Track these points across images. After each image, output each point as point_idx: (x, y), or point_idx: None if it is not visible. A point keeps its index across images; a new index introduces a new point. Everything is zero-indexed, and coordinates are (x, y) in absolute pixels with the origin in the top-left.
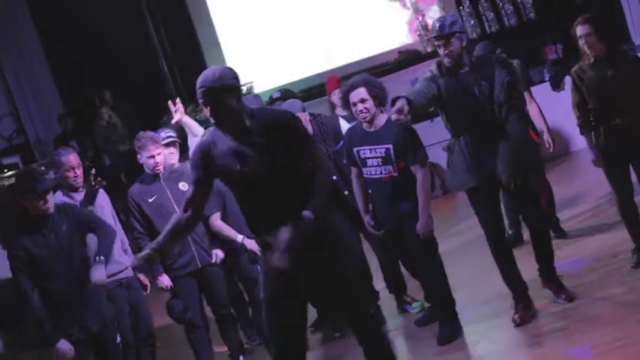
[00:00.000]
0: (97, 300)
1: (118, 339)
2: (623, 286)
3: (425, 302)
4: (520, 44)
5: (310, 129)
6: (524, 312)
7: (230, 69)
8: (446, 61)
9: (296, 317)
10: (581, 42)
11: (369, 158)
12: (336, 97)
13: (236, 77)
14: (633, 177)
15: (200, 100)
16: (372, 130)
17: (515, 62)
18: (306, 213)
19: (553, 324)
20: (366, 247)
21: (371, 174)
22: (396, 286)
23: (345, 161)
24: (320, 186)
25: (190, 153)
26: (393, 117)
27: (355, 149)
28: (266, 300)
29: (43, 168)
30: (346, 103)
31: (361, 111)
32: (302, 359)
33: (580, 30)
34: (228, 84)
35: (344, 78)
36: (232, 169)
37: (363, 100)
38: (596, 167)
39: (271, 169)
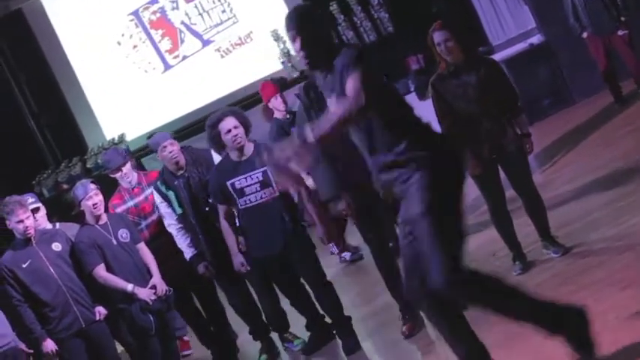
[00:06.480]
0: None
1: None
2: None
3: (307, 333)
4: (382, 58)
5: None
6: (412, 323)
7: None
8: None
9: None
10: (439, 49)
11: (246, 187)
12: (278, 100)
13: None
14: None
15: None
16: (243, 159)
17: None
18: None
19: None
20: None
21: (251, 201)
22: (279, 326)
23: (211, 201)
24: None
25: None
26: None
27: (229, 182)
28: None
29: None
30: (214, 139)
31: (237, 135)
32: None
33: (437, 36)
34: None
35: (211, 114)
36: None
37: (236, 127)
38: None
39: None
